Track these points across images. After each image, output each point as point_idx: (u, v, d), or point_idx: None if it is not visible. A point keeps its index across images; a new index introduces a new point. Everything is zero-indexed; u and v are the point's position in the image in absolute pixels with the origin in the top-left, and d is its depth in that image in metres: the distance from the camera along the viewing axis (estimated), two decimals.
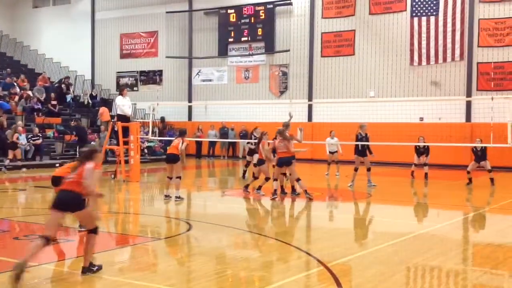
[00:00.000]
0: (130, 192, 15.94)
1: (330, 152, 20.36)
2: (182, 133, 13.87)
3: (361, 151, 16.40)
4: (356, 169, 16.41)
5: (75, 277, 6.79)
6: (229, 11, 29.62)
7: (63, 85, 29.95)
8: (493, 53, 24.05)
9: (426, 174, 18.90)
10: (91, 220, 6.94)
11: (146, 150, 26.94)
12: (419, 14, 25.28)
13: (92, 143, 23.37)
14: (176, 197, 13.32)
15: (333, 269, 7.09)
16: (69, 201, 6.70)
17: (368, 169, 16.42)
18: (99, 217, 7.34)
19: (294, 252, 8.27)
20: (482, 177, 21.05)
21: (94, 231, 6.91)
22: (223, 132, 28.95)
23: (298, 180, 13.53)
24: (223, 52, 30.03)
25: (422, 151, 18.98)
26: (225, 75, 30.42)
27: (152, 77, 32.68)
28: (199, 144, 29.12)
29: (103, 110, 27.33)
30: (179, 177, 13.61)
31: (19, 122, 23.77)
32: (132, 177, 17.50)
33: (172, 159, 13.65)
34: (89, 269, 6.84)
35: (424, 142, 19.04)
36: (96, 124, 28.05)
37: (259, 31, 28.88)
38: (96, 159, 7.09)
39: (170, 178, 13.77)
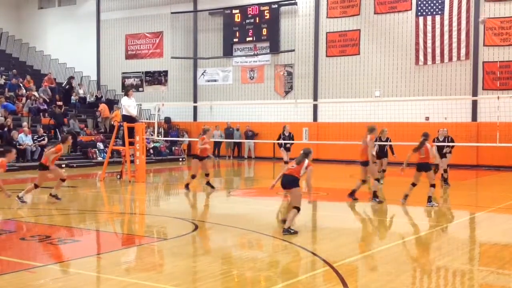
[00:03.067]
0: (135, 192, 15.97)
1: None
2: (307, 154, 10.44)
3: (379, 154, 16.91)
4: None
5: (81, 278, 6.81)
6: (233, 11, 29.64)
7: (74, 84, 30.11)
8: (498, 52, 23.98)
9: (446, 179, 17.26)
10: None
11: (151, 151, 26.99)
12: (424, 13, 25.23)
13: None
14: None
15: (339, 269, 7.09)
16: None
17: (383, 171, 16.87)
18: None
19: (300, 252, 8.27)
20: (487, 177, 21.01)
21: None
22: (229, 132, 28.98)
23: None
24: (228, 52, 30.05)
25: (444, 148, 16.83)
26: (230, 75, 30.45)
27: (157, 78, 32.74)
28: None
29: (103, 106, 27.99)
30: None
31: (25, 123, 23.86)
32: (137, 177, 17.53)
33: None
34: None
35: (448, 135, 17.14)
36: (103, 126, 28.25)
37: (264, 31, 28.89)
38: (7, 157, 10.63)
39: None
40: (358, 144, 17.72)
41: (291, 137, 19.62)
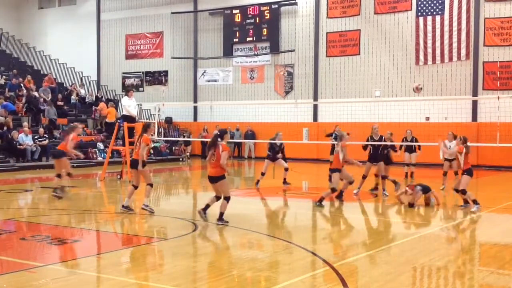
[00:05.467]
0: (135, 192, 15.94)
1: (446, 160, 16.06)
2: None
3: (373, 157, 14.71)
4: (364, 177, 14.54)
5: (81, 278, 6.81)
6: (234, 11, 29.64)
7: (72, 91, 30.22)
8: (499, 52, 23.98)
9: (412, 173, 19.23)
10: None
11: (152, 151, 26.98)
12: (424, 13, 25.23)
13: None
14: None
15: (339, 269, 7.09)
16: None
17: (383, 177, 14.60)
18: None
19: (300, 252, 8.27)
20: (487, 177, 21.01)
21: None
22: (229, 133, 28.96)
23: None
24: (228, 52, 30.05)
25: (411, 146, 18.82)
26: (230, 76, 30.45)
27: (157, 78, 32.75)
28: (204, 144, 29.12)
29: (103, 105, 28.10)
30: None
31: (25, 123, 23.86)
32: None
33: None
34: None
35: (412, 136, 19.04)
36: (100, 125, 28.28)
37: (264, 31, 28.90)
38: (75, 131, 11.20)
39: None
40: (358, 144, 17.69)
41: (281, 148, 16.43)
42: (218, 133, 10.56)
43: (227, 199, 10.19)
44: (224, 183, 10.22)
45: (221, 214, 10.16)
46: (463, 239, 9.83)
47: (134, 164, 11.59)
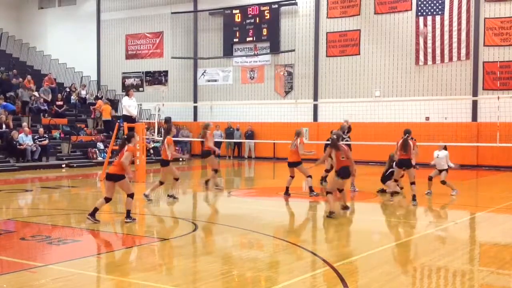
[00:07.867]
0: (135, 192, 15.93)
1: (438, 170, 15.09)
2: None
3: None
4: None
5: (81, 278, 6.81)
6: (234, 11, 29.64)
7: (72, 91, 30.23)
8: (499, 52, 23.98)
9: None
10: None
11: (151, 151, 26.99)
12: (424, 13, 25.23)
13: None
14: None
15: (339, 269, 7.09)
16: None
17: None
18: None
19: (300, 252, 8.27)
20: (487, 177, 21.00)
21: None
22: (229, 132, 29.00)
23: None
24: (228, 52, 30.05)
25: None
26: (230, 75, 30.45)
27: (157, 78, 32.74)
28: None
29: (100, 102, 28.20)
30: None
31: (25, 123, 23.86)
32: (137, 177, 17.53)
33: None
34: None
35: None
36: (99, 124, 28.29)
37: (264, 31, 28.89)
38: (132, 142, 10.35)
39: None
40: (358, 144, 17.68)
41: None
42: (126, 137, 10.72)
43: (131, 196, 10.31)
44: (125, 182, 10.26)
45: (128, 211, 10.29)
46: (463, 239, 9.83)
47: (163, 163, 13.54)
